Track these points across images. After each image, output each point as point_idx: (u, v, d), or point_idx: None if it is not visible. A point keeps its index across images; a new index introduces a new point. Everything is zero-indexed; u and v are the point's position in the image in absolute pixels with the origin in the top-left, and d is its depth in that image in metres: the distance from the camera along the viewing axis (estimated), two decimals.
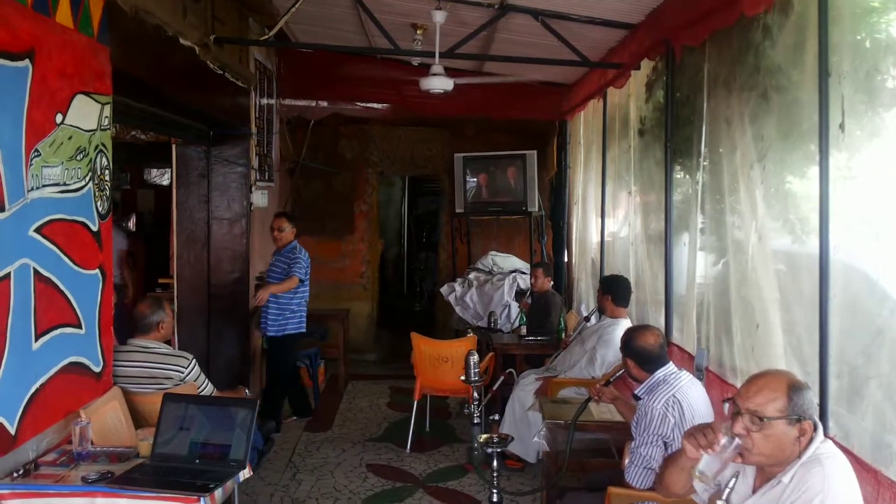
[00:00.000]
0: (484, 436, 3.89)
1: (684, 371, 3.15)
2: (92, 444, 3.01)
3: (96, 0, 3.32)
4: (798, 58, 2.73)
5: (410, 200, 12.18)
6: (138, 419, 3.60)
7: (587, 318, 5.47)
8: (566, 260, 7.72)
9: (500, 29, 5.52)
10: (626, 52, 4.99)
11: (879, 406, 2.25)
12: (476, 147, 8.42)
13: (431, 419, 6.00)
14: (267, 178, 6.76)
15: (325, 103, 7.48)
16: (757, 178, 2.93)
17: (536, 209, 7.69)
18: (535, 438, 3.92)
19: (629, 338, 3.19)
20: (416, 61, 6.47)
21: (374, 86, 7.30)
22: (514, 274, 7.60)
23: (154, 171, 10.25)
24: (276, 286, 5.59)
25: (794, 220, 2.73)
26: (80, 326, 3.23)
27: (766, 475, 2.05)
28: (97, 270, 3.39)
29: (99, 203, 3.44)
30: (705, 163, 3.71)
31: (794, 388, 1.99)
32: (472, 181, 7.85)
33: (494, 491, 3.61)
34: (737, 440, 1.98)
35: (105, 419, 3.38)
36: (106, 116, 3.50)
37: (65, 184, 3.11)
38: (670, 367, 3.13)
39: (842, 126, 2.39)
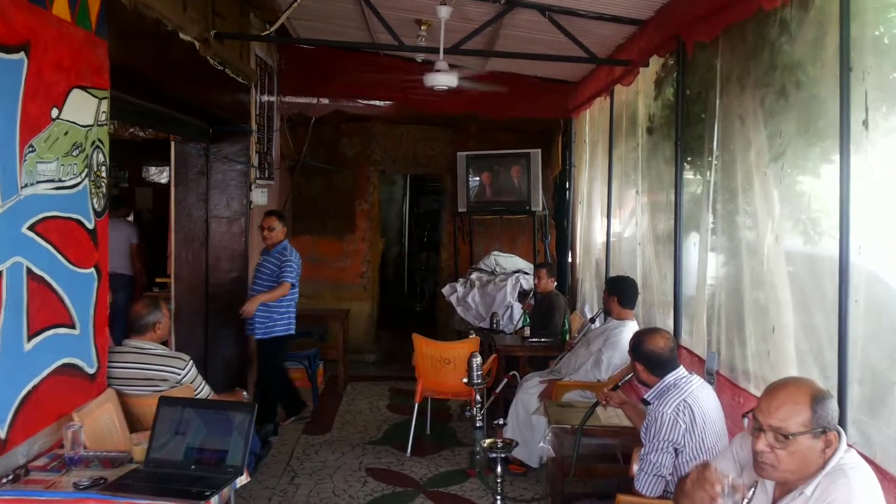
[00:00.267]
0: (488, 440, 3.81)
1: (695, 375, 3.06)
2: (85, 448, 2.92)
3: None
4: (818, 53, 2.64)
5: (412, 199, 12.09)
6: (133, 422, 3.51)
7: (592, 320, 5.38)
8: (570, 260, 7.63)
9: (506, 25, 5.43)
10: (635, 49, 4.90)
11: None
12: (479, 146, 8.33)
13: (432, 422, 5.91)
14: (267, 176, 6.67)
15: (326, 100, 7.39)
16: (774, 177, 2.85)
17: (540, 209, 7.59)
18: (541, 444, 3.83)
19: (638, 341, 3.10)
20: (419, 58, 6.38)
21: (376, 83, 7.22)
22: (516, 274, 7.50)
23: (153, 169, 10.19)
24: (266, 295, 5.35)
25: (813, 221, 2.64)
26: (73, 327, 3.14)
27: (787, 486, 1.97)
28: (92, 269, 3.30)
29: (95, 200, 3.35)
30: (717, 161, 3.63)
31: (816, 399, 1.90)
32: (474, 180, 7.75)
33: (498, 497, 3.52)
34: (737, 495, 1.89)
35: (99, 422, 3.29)
36: (103, 112, 3.41)
37: (60, 180, 3.02)
38: (681, 371, 3.03)
39: (865, 123, 2.30)
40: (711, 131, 3.64)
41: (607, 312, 4.87)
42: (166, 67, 4.38)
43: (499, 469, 3.76)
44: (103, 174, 3.44)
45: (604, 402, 3.36)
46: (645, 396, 3.07)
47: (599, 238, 6.50)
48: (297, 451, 5.37)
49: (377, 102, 7.56)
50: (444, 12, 4.87)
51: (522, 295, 7.27)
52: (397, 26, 5.23)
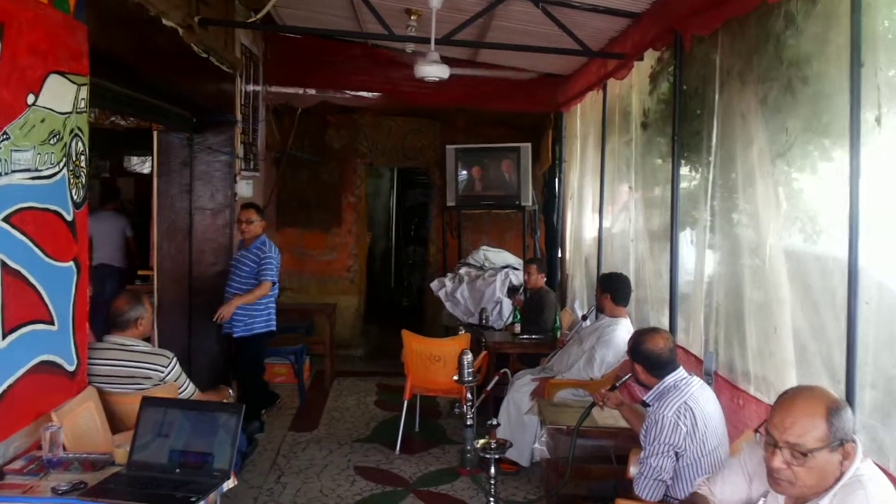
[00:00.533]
0: (481, 441, 3.74)
1: (695, 376, 2.99)
2: (64, 449, 2.80)
3: None
4: (826, 48, 2.57)
5: (399, 192, 11.97)
6: (115, 421, 3.39)
7: (584, 318, 5.31)
8: (559, 255, 7.56)
9: (498, 16, 5.33)
10: (629, 42, 4.82)
11: None
12: (468, 139, 8.23)
13: (421, 419, 5.82)
14: (252, 167, 6.53)
15: (312, 91, 7.26)
16: (778, 175, 2.78)
17: (530, 204, 7.51)
18: (536, 445, 3.76)
19: (637, 341, 3.02)
20: (409, 48, 6.26)
21: (364, 74, 7.09)
22: (506, 269, 7.42)
23: (134, 159, 9.98)
24: (244, 297, 5.11)
25: (820, 219, 2.56)
26: (52, 323, 3.01)
27: (802, 498, 1.89)
28: (71, 263, 3.17)
29: (74, 191, 3.21)
30: (715, 158, 3.55)
31: (832, 410, 1.82)
32: (463, 174, 7.65)
33: (491, 499, 3.45)
34: None
35: (79, 421, 3.16)
36: (82, 98, 3.28)
37: (37, 170, 2.89)
38: (680, 372, 2.96)
39: (878, 120, 2.23)
40: (710, 127, 3.57)
41: (600, 310, 4.80)
42: (148, 54, 4.24)
43: (492, 470, 3.70)
44: (83, 164, 3.31)
45: (600, 403, 3.28)
46: (644, 398, 3.00)
47: (590, 233, 6.43)
48: (284, 448, 5.26)
49: (365, 94, 7.43)
50: (436, 2, 4.76)
51: (511, 290, 7.19)
52: (386, 16, 5.11)
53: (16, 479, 2.59)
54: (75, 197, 3.22)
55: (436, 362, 5.23)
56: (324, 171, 8.55)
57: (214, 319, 5.09)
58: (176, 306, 5.69)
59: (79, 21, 3.19)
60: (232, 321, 5.16)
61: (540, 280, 6.08)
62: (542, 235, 8.06)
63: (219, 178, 5.80)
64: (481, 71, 6.93)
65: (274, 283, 5.24)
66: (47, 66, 2.92)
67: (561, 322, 5.76)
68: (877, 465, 2.02)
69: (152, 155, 5.73)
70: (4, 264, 2.64)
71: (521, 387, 4.83)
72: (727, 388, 3.31)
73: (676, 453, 2.79)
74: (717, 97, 3.50)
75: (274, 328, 5.36)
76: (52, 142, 3.00)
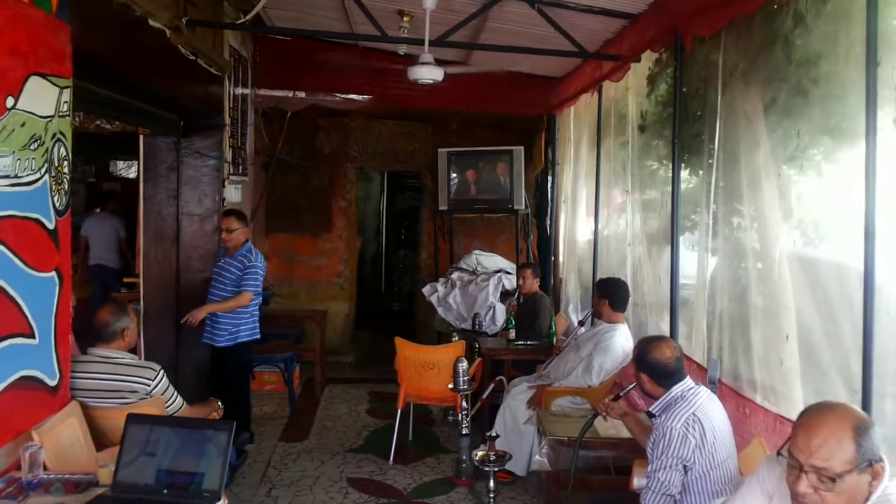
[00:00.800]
0: (480, 452, 3.65)
1: (702, 386, 2.90)
2: (45, 469, 2.68)
3: None
4: (838, 47, 2.48)
5: (389, 196, 11.87)
6: (99, 436, 3.26)
7: (581, 324, 5.22)
8: (552, 259, 7.48)
9: (492, 17, 5.24)
10: (625, 44, 4.74)
11: None
12: (460, 142, 8.13)
13: (414, 427, 5.71)
14: (241, 171, 6.41)
15: (302, 94, 7.16)
16: (789, 178, 2.69)
17: (523, 207, 7.42)
18: (537, 457, 3.66)
19: (643, 350, 2.92)
20: (402, 50, 6.16)
21: (354, 76, 6.99)
22: (498, 274, 7.32)
23: (120, 163, 9.85)
24: (218, 305, 4.90)
25: (837, 225, 2.48)
26: (32, 336, 2.88)
27: None
28: (53, 273, 3.04)
29: (56, 198, 3.09)
30: (716, 161, 3.47)
31: (860, 430, 1.73)
32: (455, 177, 7.55)
33: None
34: None
35: (61, 438, 3.04)
36: (65, 102, 3.15)
37: (16, 176, 2.76)
38: (687, 381, 2.87)
39: None
40: (712, 129, 3.49)
41: (597, 315, 4.70)
42: (134, 56, 4.12)
43: (491, 483, 3.61)
44: (65, 170, 3.18)
45: (604, 414, 3.19)
46: (650, 409, 2.91)
47: (584, 237, 6.36)
48: (275, 459, 5.13)
49: (355, 97, 7.33)
50: (429, 2, 4.66)
51: (504, 295, 7.10)
52: (378, 17, 5.00)
53: None
54: (57, 204, 3.09)
55: (430, 370, 5.12)
56: (314, 175, 8.42)
57: (183, 322, 4.90)
58: (163, 314, 5.55)
59: (61, 21, 3.07)
60: (215, 331, 4.98)
61: (535, 285, 5.99)
62: (534, 239, 7.98)
63: (207, 182, 5.67)
64: (473, 73, 6.83)
65: (257, 294, 5.03)
66: (28, 68, 2.80)
67: (556, 328, 5.66)
68: None
69: (138, 159, 5.61)
70: None
71: (518, 395, 4.73)
72: (732, 396, 3.23)
73: (685, 466, 2.70)
74: (719, 98, 3.42)
75: (259, 336, 5.17)
76: (32, 147, 2.87)
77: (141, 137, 5.51)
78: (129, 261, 7.65)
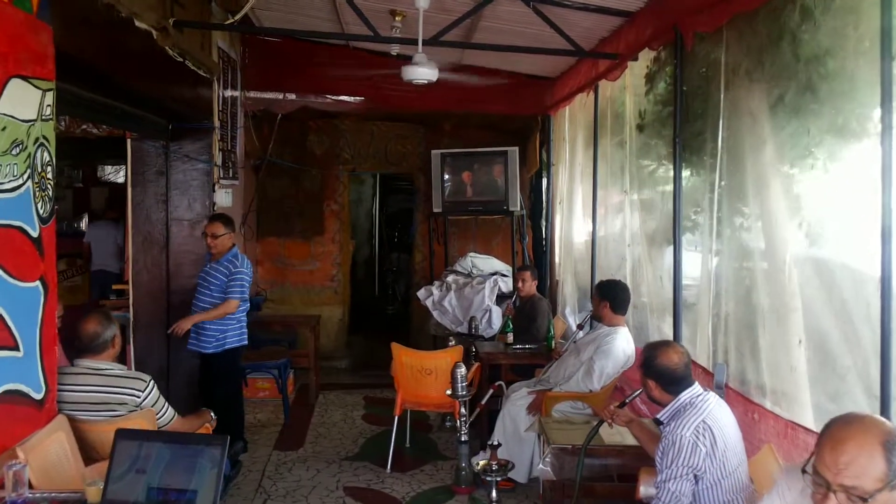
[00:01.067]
0: (482, 462, 3.56)
1: (710, 392, 2.82)
2: (30, 487, 2.57)
3: None
4: (848, 42, 2.41)
5: (381, 199, 11.77)
6: (88, 450, 3.16)
7: (580, 327, 5.14)
8: (548, 261, 7.40)
9: (486, 17, 5.16)
10: (622, 42, 4.66)
11: None
12: (453, 143, 8.04)
13: (411, 433, 5.61)
14: (231, 175, 6.30)
15: (293, 96, 7.04)
16: (799, 177, 2.61)
17: (518, 208, 7.33)
18: (540, 465, 3.56)
19: (650, 356, 2.84)
20: (394, 50, 6.06)
21: (346, 78, 6.90)
22: (494, 276, 7.24)
23: (108, 168, 9.70)
24: (205, 314, 4.77)
25: (852, 226, 2.40)
26: (16, 348, 2.78)
27: None
28: (38, 282, 2.93)
29: (40, 205, 2.98)
30: (719, 160, 3.39)
31: (889, 443, 1.63)
32: (449, 179, 7.45)
33: None
34: None
35: (48, 453, 2.93)
36: (48, 105, 3.04)
37: None
38: (696, 387, 2.79)
39: None
40: (714, 128, 3.42)
41: (597, 318, 4.61)
42: (120, 58, 4.01)
43: (493, 494, 3.52)
44: (49, 175, 3.07)
45: (609, 421, 3.10)
46: (658, 416, 2.82)
47: (580, 238, 6.28)
48: (269, 469, 5.01)
49: (347, 98, 7.21)
50: (422, 2, 4.58)
51: (500, 298, 7.02)
52: (370, 17, 4.91)
53: None
54: (41, 211, 2.98)
55: (427, 376, 5.02)
56: (305, 178, 8.32)
57: (169, 332, 4.79)
58: (153, 322, 5.44)
59: (43, 21, 2.96)
60: (201, 338, 4.85)
61: (533, 287, 5.91)
62: (530, 241, 7.89)
63: (196, 187, 5.58)
64: (467, 74, 6.75)
65: (244, 301, 4.91)
66: (7, 70, 2.70)
67: (554, 330, 5.58)
68: None
69: (126, 164, 5.49)
70: None
71: (518, 400, 4.64)
72: (740, 401, 3.15)
73: (695, 476, 2.61)
74: (721, 97, 3.34)
75: (246, 342, 5.05)
76: (14, 152, 2.76)
77: (128, 141, 5.40)
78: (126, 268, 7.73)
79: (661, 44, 4.05)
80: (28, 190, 2.87)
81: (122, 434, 2.53)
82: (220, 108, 5.96)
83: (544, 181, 7.55)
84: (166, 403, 3.37)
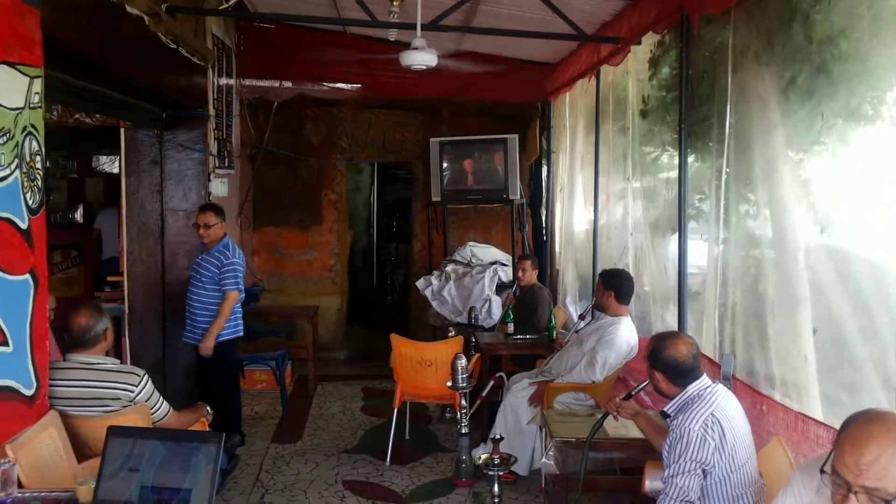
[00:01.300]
0: (483, 455, 3.50)
1: (718, 384, 2.75)
2: (20, 486, 2.50)
3: None
4: (861, 22, 2.32)
5: (379, 187, 11.67)
6: (81, 447, 3.08)
7: (582, 317, 5.06)
8: (548, 250, 7.32)
9: (485, 0, 5.05)
10: (625, 26, 4.56)
11: None
12: (451, 131, 7.93)
13: (411, 425, 5.54)
14: (227, 164, 6.21)
15: (289, 83, 6.94)
16: (812, 163, 2.53)
17: (518, 197, 7.24)
18: (543, 459, 3.50)
19: (658, 347, 2.76)
20: (392, 36, 5.95)
21: (343, 65, 6.79)
22: (494, 266, 7.16)
23: (104, 158, 9.58)
24: (218, 321, 4.68)
25: (869, 212, 2.32)
26: (6, 343, 2.70)
27: None
28: (27, 275, 2.84)
29: (29, 195, 2.89)
30: (726, 146, 3.30)
31: None
32: (447, 167, 7.34)
33: None
34: None
35: (40, 450, 2.85)
36: (36, 92, 2.95)
37: None
38: (704, 380, 2.72)
39: None
40: (721, 113, 3.33)
41: (600, 308, 4.54)
42: (111, 44, 3.92)
43: (496, 488, 3.46)
44: (38, 165, 2.98)
45: (614, 413, 3.03)
46: (665, 409, 2.75)
47: (581, 227, 6.20)
48: (267, 462, 4.95)
49: (343, 86, 7.12)
50: None
51: (500, 287, 6.94)
52: (367, 1, 4.81)
53: None
54: (30, 202, 2.89)
55: (427, 367, 4.95)
56: (302, 167, 8.21)
57: (200, 352, 4.74)
58: (148, 314, 5.38)
59: (29, 6, 2.86)
60: (196, 330, 4.78)
61: (534, 277, 5.83)
62: (529, 230, 7.81)
63: (191, 176, 5.49)
64: (466, 60, 6.65)
65: (240, 292, 4.83)
66: None
67: (555, 320, 5.51)
68: None
69: (120, 153, 5.40)
70: None
71: (519, 391, 4.57)
72: (748, 393, 3.08)
73: (704, 470, 2.55)
74: (729, 81, 3.25)
75: (241, 333, 4.98)
76: (1, 141, 2.67)
77: (122, 130, 5.31)
78: None
79: (666, 27, 3.95)
80: (16, 180, 2.78)
81: (114, 431, 2.46)
82: (215, 97, 5.86)
83: (544, 169, 7.45)
84: (161, 398, 3.30)
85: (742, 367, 3.16)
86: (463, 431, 4.61)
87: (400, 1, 5.22)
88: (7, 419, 2.70)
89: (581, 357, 4.43)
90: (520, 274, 5.83)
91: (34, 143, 2.96)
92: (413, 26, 4.59)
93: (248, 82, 6.71)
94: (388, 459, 4.95)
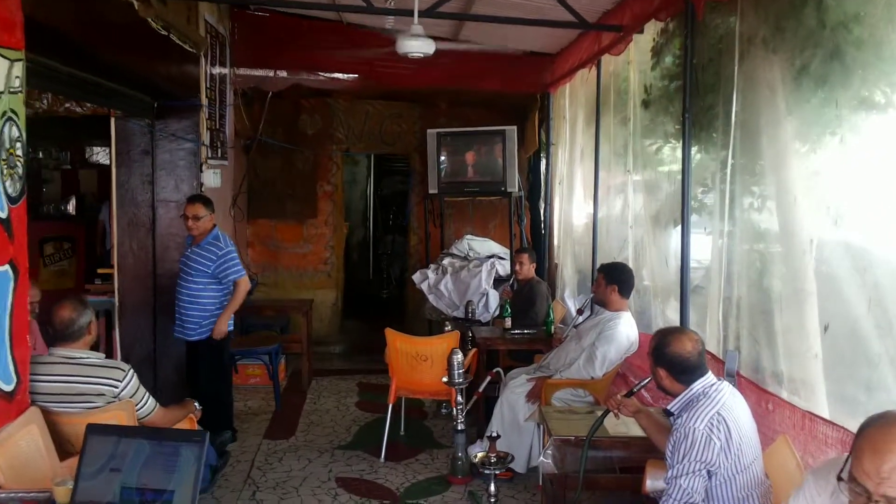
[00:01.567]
0: (480, 454, 3.41)
1: (724, 381, 2.66)
2: None
3: None
4: (884, 8, 2.21)
5: (376, 179, 11.55)
6: (63, 444, 2.99)
7: (580, 311, 4.97)
8: (547, 243, 7.22)
9: None
10: (627, 14, 4.45)
11: None
12: (449, 123, 7.82)
13: (406, 421, 5.45)
14: (220, 155, 6.10)
15: (284, 73, 6.80)
16: (826, 154, 2.42)
17: (516, 189, 7.13)
18: (541, 458, 3.41)
19: (661, 343, 2.66)
20: (389, 23, 5.83)
21: (339, 54, 6.66)
22: (491, 259, 7.06)
23: (97, 149, 9.44)
24: (231, 306, 4.65)
25: (886, 204, 2.22)
26: None
27: None
28: (7, 267, 2.75)
29: (8, 183, 2.79)
30: (732, 137, 3.20)
31: None
32: (445, 159, 7.23)
33: None
34: None
35: (19, 448, 2.76)
36: (16, 76, 2.84)
37: None
38: (709, 377, 2.63)
39: None
40: (727, 103, 3.22)
41: (602, 303, 4.42)
42: (99, 29, 3.80)
43: (492, 487, 3.37)
44: (19, 152, 2.87)
45: (615, 411, 2.94)
46: (668, 407, 2.66)
47: (580, 220, 6.10)
48: (259, 459, 4.85)
49: (339, 76, 6.98)
50: None
51: (498, 281, 6.85)
52: None
53: None
54: (10, 191, 2.80)
55: (423, 362, 4.85)
56: (297, 158, 8.08)
57: (214, 337, 4.67)
58: (139, 307, 5.28)
59: None
60: (185, 324, 4.68)
61: (532, 270, 5.74)
62: (528, 223, 7.71)
63: (183, 167, 5.38)
64: (464, 50, 6.53)
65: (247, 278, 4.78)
66: None
67: (554, 315, 5.41)
68: None
69: (110, 143, 5.28)
70: None
71: (516, 387, 4.47)
72: (753, 390, 2.99)
73: (709, 471, 2.45)
74: (735, 69, 3.14)
75: (232, 327, 4.85)
76: None
77: (112, 120, 5.19)
78: None
79: (670, 14, 3.84)
80: None
81: (93, 429, 2.35)
82: (208, 86, 5.75)
83: (543, 161, 7.34)
84: (147, 394, 3.20)
85: (747, 363, 3.07)
86: (459, 428, 4.52)
87: None
88: None
89: (580, 352, 4.33)
90: (517, 267, 5.74)
91: (14, 129, 2.85)
92: (410, 13, 4.47)
93: (242, 72, 6.60)
94: (383, 456, 4.86)
